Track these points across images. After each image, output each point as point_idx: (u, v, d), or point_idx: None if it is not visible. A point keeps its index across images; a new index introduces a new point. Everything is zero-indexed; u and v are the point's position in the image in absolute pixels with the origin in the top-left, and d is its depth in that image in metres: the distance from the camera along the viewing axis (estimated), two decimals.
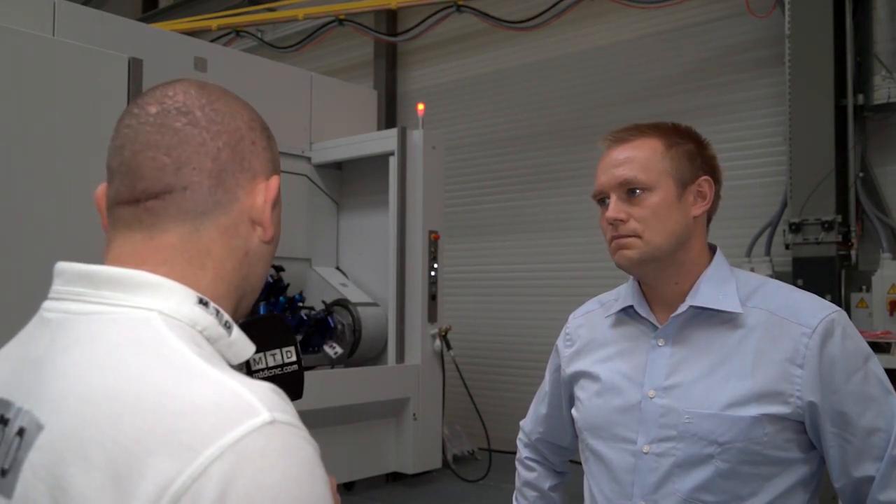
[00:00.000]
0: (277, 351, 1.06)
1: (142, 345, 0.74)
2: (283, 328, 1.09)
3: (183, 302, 0.80)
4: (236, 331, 0.85)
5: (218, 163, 0.84)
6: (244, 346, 0.86)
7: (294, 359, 1.07)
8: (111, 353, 0.74)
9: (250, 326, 0.98)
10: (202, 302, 0.81)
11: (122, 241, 0.84)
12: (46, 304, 0.83)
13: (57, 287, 0.83)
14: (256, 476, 0.66)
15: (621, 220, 1.41)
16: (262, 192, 0.87)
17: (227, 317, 0.84)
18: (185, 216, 0.83)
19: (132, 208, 0.83)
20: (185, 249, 0.83)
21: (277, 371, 1.05)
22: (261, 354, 1.05)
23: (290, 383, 1.02)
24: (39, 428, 0.73)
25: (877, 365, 1.38)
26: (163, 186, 0.82)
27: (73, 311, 0.80)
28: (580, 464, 1.59)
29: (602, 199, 1.47)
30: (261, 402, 0.70)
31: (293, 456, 0.69)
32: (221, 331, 0.82)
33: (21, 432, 0.75)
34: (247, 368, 1.04)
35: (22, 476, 0.72)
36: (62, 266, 0.83)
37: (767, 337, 1.37)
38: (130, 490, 0.66)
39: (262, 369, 1.05)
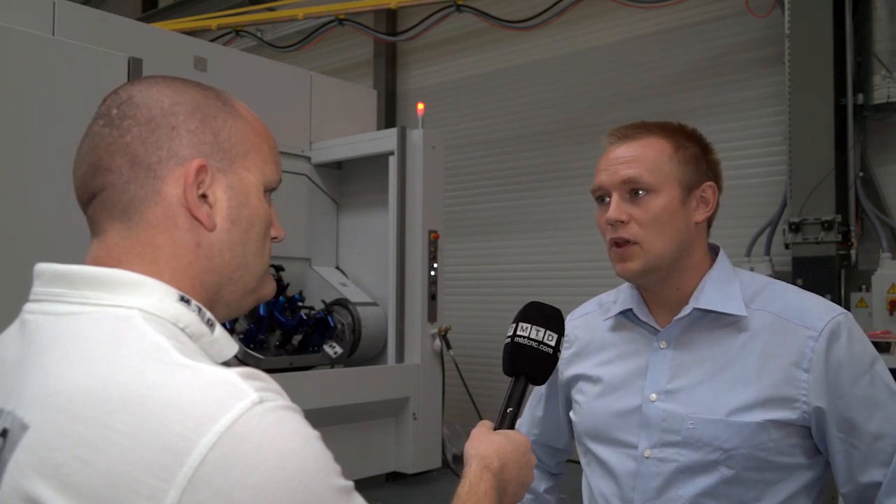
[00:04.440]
0: (543, 330, 1.18)
1: (123, 342, 0.74)
2: (558, 319, 1.21)
3: (164, 299, 0.80)
4: (219, 329, 0.84)
5: (128, 158, 0.82)
6: (227, 345, 0.85)
7: (552, 343, 1.18)
8: (92, 350, 0.74)
9: (541, 305, 1.21)
10: (184, 299, 0.81)
11: (92, 245, 0.85)
12: (27, 306, 0.83)
13: (36, 289, 0.83)
14: (258, 454, 0.67)
15: (622, 222, 1.37)
16: (182, 180, 0.83)
17: (209, 314, 0.83)
18: (112, 215, 0.83)
19: (87, 215, 0.86)
20: (129, 247, 0.82)
21: (534, 344, 1.18)
22: (529, 325, 1.19)
23: (539, 362, 1.17)
24: (24, 428, 0.72)
25: (883, 368, 1.34)
26: (90, 191, 0.84)
27: (53, 313, 0.79)
28: (577, 463, 1.58)
29: (601, 197, 1.42)
30: (245, 383, 0.71)
31: (286, 427, 0.70)
32: (204, 328, 0.82)
33: (4, 433, 0.74)
34: (513, 330, 1.19)
35: (7, 477, 0.72)
36: (41, 267, 0.83)
37: (772, 340, 1.34)
38: (133, 487, 0.65)
39: (524, 337, 1.18)
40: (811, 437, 1.34)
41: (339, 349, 5.40)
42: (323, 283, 5.94)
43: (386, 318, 5.70)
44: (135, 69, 4.43)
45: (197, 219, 0.83)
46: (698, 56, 5.97)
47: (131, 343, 0.74)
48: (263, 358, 5.04)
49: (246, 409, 0.68)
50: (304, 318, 5.48)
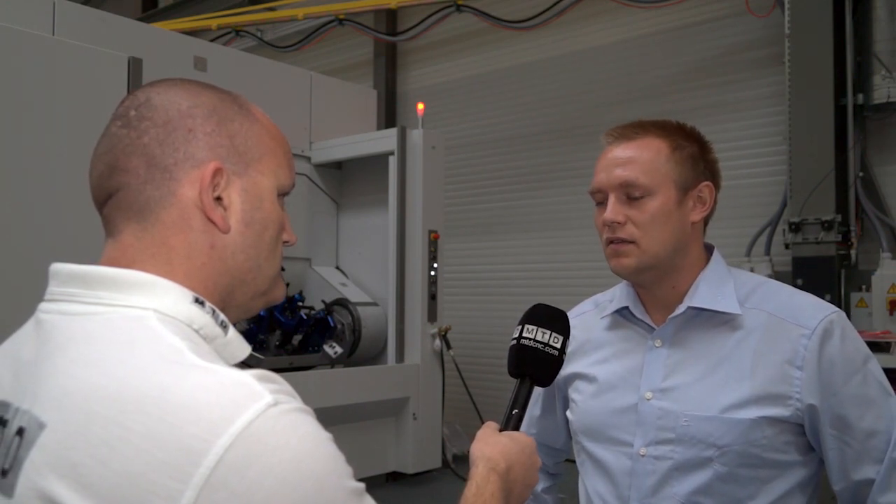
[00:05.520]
0: (549, 332, 1.19)
1: (137, 342, 0.74)
2: (564, 322, 1.22)
3: (179, 301, 0.80)
4: (232, 331, 0.85)
5: (145, 159, 0.83)
6: (240, 347, 0.86)
7: (558, 346, 1.18)
8: (108, 351, 0.74)
9: (547, 308, 1.21)
10: (198, 301, 0.82)
11: (106, 245, 0.86)
12: (42, 305, 0.84)
13: (52, 288, 0.83)
14: (273, 456, 0.67)
15: (619, 223, 1.38)
16: (198, 182, 0.83)
17: (222, 316, 0.84)
18: (128, 216, 0.84)
19: (102, 214, 0.86)
20: (143, 248, 0.83)
21: (539, 346, 1.18)
22: (535, 327, 1.19)
23: (545, 364, 1.18)
24: (41, 426, 0.72)
25: (876, 366, 1.36)
26: (106, 191, 0.85)
27: (68, 312, 0.80)
28: (573, 462, 1.58)
29: (599, 199, 1.44)
30: (260, 385, 0.71)
31: (300, 429, 0.71)
32: (218, 330, 0.83)
33: (20, 432, 0.74)
34: (518, 332, 1.19)
35: (23, 475, 0.72)
36: (57, 267, 0.83)
37: (766, 338, 1.35)
38: (149, 487, 0.66)
39: (530, 339, 1.18)
40: (804, 434, 1.35)
41: (339, 349, 5.40)
42: (323, 283, 5.95)
43: (386, 318, 5.70)
44: (135, 69, 4.43)
45: (211, 221, 0.84)
46: (698, 56, 5.97)
47: (146, 344, 0.74)
48: (264, 358, 5.04)
49: (261, 411, 0.69)
50: (304, 318, 5.48)
